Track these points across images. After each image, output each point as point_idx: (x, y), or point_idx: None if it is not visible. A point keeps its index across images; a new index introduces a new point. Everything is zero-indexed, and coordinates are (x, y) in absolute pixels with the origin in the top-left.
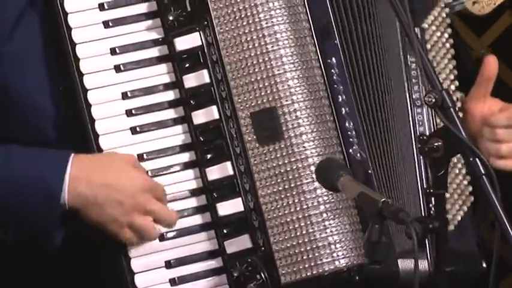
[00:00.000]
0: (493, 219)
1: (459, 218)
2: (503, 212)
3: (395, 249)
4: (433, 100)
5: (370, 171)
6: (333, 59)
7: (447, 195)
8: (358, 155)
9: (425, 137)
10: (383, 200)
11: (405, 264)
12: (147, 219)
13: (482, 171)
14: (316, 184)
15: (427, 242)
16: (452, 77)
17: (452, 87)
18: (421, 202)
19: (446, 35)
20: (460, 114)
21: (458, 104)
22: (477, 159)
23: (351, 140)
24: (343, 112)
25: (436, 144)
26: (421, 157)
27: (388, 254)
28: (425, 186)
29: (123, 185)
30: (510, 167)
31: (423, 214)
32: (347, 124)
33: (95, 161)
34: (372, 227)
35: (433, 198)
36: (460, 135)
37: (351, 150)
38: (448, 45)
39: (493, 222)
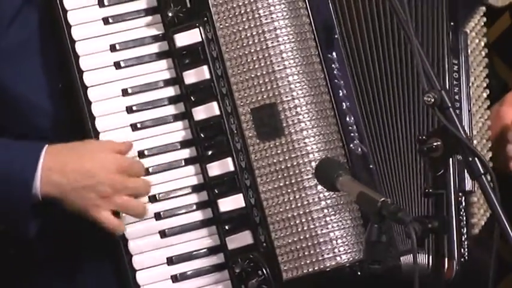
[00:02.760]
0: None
1: (482, 223)
2: (503, 212)
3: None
4: (432, 100)
5: (371, 166)
6: (334, 53)
7: (475, 198)
8: (359, 149)
9: (424, 137)
10: (382, 199)
11: (408, 260)
12: (128, 198)
13: (482, 171)
14: None
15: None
16: (484, 84)
17: (484, 95)
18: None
19: (482, 44)
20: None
21: (488, 113)
22: (476, 159)
23: (351, 134)
24: (344, 107)
25: (435, 143)
26: None
27: (387, 253)
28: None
29: (97, 168)
30: None
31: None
32: (348, 119)
33: (69, 149)
34: (371, 226)
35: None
36: (459, 134)
37: (351, 145)
38: (483, 53)
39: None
